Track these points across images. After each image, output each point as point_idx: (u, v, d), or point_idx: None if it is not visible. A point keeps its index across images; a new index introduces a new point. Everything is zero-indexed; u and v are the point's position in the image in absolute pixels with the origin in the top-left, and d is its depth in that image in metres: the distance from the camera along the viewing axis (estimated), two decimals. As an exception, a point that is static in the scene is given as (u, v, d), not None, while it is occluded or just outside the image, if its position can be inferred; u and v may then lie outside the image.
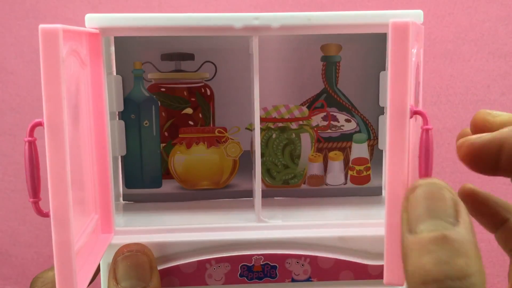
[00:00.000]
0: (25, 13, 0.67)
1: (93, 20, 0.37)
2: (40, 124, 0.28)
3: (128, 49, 0.46)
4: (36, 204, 0.30)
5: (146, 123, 0.47)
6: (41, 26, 0.26)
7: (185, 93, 0.47)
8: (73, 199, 0.30)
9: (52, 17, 0.68)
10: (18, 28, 0.69)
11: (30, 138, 0.29)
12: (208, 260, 0.40)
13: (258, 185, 0.41)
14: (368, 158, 0.48)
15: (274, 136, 0.48)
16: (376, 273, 0.41)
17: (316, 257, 0.40)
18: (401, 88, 0.28)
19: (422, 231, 0.24)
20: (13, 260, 0.74)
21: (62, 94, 0.27)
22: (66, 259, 0.27)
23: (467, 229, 0.24)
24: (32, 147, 0.29)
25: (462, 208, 0.25)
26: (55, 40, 0.27)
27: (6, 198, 0.73)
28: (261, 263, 0.40)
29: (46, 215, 0.29)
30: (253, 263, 0.40)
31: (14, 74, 0.70)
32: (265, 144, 0.48)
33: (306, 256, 0.40)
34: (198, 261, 0.40)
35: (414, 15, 0.38)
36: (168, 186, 0.48)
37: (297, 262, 0.40)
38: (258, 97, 0.40)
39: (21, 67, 0.70)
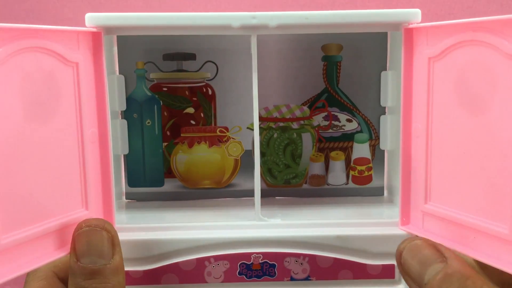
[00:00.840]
0: (25, 13, 0.66)
1: (93, 19, 0.38)
2: None
3: (130, 49, 0.46)
4: None
5: (148, 122, 0.47)
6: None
7: (186, 92, 0.48)
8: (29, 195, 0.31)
9: (52, 17, 0.68)
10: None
11: None
12: (207, 258, 0.40)
13: (257, 184, 0.41)
14: (370, 158, 0.48)
15: (275, 135, 0.48)
16: (375, 273, 0.40)
17: (315, 256, 0.40)
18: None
19: (429, 281, 0.31)
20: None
21: None
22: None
23: (458, 260, 0.31)
24: None
25: (445, 249, 0.32)
26: None
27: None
28: (260, 262, 0.40)
29: None
30: (252, 261, 0.40)
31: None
32: (266, 143, 0.48)
33: (305, 255, 0.40)
34: (197, 258, 0.40)
35: (412, 14, 0.38)
36: (170, 185, 0.48)
37: (296, 261, 0.40)
38: (257, 96, 0.40)
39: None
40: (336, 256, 0.40)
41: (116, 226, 0.40)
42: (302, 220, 0.42)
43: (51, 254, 0.35)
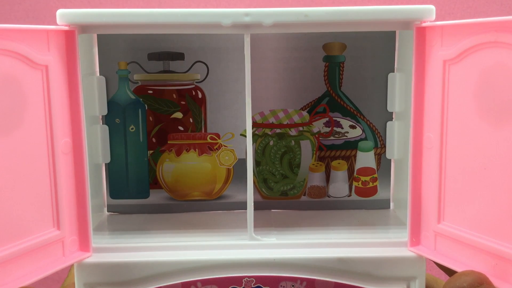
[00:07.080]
0: (25, 13, 0.66)
1: (65, 17, 0.34)
2: None
3: (112, 48, 0.43)
4: None
5: (132, 128, 0.44)
6: None
7: (174, 95, 0.45)
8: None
9: (52, 17, 0.66)
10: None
11: None
12: (194, 282, 0.37)
13: (250, 200, 0.38)
14: (375, 168, 0.46)
15: (271, 143, 0.45)
16: (380, 299, 0.37)
17: (313, 280, 0.37)
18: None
19: None
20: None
21: None
22: None
23: None
24: None
25: None
26: None
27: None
28: (253, 286, 0.37)
29: None
30: (243, 285, 0.37)
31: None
32: (261, 152, 0.44)
33: (302, 279, 0.37)
34: (182, 283, 0.37)
35: (425, 11, 0.34)
36: (156, 197, 0.45)
37: (293, 286, 0.37)
38: (250, 103, 0.37)
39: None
40: (337, 280, 0.37)
41: (93, 246, 0.37)
42: (299, 239, 0.39)
43: (17, 281, 0.32)
